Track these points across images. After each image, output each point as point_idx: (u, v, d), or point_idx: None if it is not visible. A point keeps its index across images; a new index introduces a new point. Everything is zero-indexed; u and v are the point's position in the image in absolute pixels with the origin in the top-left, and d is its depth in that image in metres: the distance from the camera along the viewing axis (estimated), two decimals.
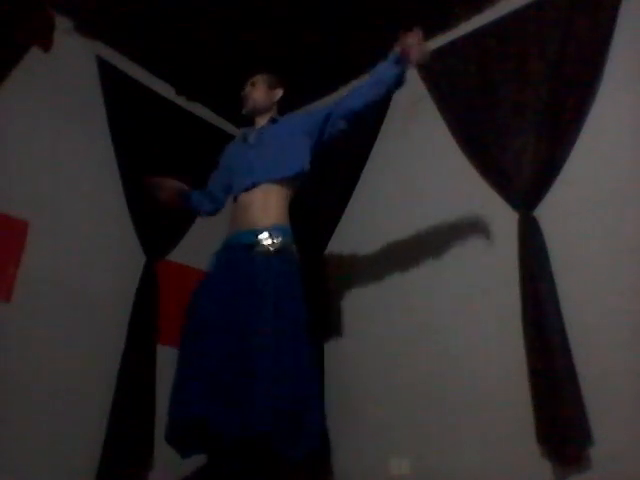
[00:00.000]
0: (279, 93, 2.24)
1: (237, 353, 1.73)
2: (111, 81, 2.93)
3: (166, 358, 2.73)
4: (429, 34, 2.87)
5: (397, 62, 1.95)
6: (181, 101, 3.34)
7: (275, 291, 1.81)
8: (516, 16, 2.50)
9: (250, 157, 2.09)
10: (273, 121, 2.19)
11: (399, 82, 2.00)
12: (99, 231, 2.71)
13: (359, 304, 2.73)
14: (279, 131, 2.14)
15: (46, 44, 2.69)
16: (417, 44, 1.90)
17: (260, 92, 2.21)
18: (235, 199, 2.10)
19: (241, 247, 1.93)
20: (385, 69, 1.99)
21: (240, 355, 1.72)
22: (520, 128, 2.33)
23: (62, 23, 2.79)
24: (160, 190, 2.21)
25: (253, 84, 2.24)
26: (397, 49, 1.93)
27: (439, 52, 2.80)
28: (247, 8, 2.75)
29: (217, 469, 1.82)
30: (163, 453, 2.59)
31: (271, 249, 1.88)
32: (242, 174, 2.07)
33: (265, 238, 1.89)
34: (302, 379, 1.76)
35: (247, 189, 2.01)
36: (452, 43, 2.75)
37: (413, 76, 2.88)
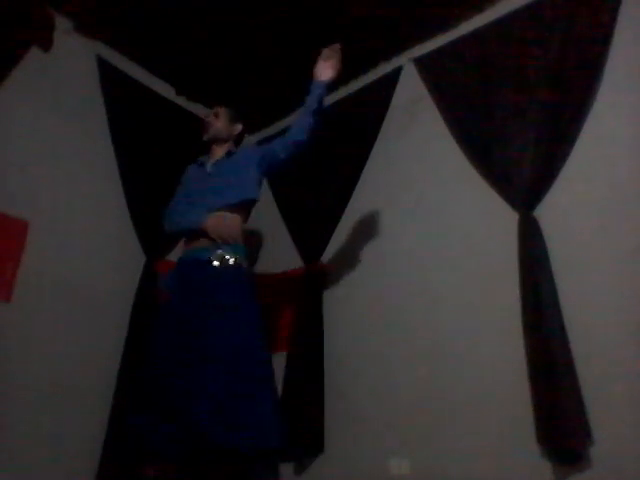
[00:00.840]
0: (238, 128, 2.43)
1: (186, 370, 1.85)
2: (111, 81, 2.93)
3: None
4: (429, 34, 2.89)
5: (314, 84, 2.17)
6: (181, 101, 3.34)
7: (223, 302, 1.95)
8: (516, 16, 2.50)
9: (207, 185, 2.23)
10: (229, 154, 2.33)
11: (320, 103, 2.18)
12: (99, 231, 2.71)
13: (358, 304, 2.73)
14: (234, 163, 2.29)
15: (46, 44, 2.69)
16: (324, 61, 2.16)
17: (222, 124, 2.37)
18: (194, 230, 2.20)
19: (196, 263, 2.06)
20: (309, 95, 2.19)
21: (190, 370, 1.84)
22: (520, 128, 2.32)
23: (62, 23, 2.79)
24: None
25: (216, 114, 2.39)
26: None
27: (439, 52, 2.82)
28: (247, 8, 2.74)
29: None
30: None
31: (223, 264, 2.03)
32: (198, 201, 2.19)
33: (219, 254, 2.03)
34: (249, 379, 1.87)
35: (210, 211, 2.13)
36: (452, 43, 2.75)
37: (413, 76, 2.90)
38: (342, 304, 2.78)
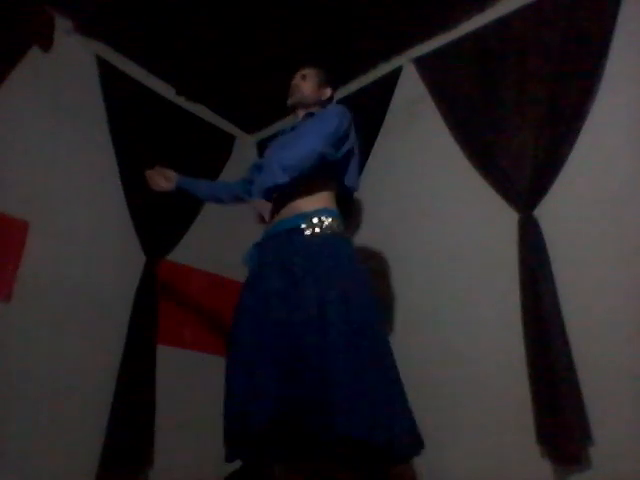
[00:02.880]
0: (328, 92, 2.17)
1: (304, 346, 1.58)
2: (111, 81, 2.92)
3: (166, 358, 2.74)
4: (429, 34, 2.89)
5: None
6: (181, 101, 3.34)
7: (335, 276, 1.67)
8: (516, 16, 2.50)
9: (277, 152, 1.97)
10: (309, 115, 2.09)
11: None
12: (99, 231, 2.71)
13: None
14: (307, 126, 2.01)
15: (46, 44, 2.69)
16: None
17: (310, 87, 2.13)
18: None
19: (286, 233, 1.80)
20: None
21: (309, 349, 1.57)
22: (520, 128, 2.32)
23: (62, 23, 2.79)
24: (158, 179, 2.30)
25: (304, 77, 2.15)
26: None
27: (439, 52, 2.81)
28: (247, 8, 2.74)
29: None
30: (163, 453, 2.60)
31: (320, 231, 1.76)
32: (264, 174, 1.93)
33: (312, 220, 1.78)
34: (384, 378, 1.62)
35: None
36: (452, 43, 2.75)
37: (413, 76, 2.90)
38: None
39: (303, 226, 1.77)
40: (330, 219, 1.80)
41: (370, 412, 1.51)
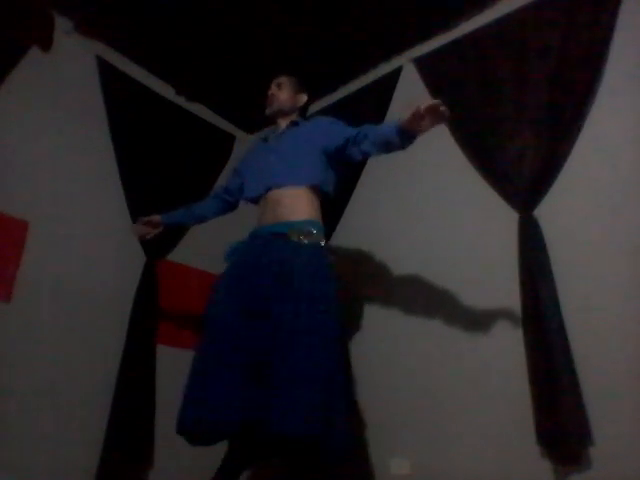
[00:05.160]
0: (304, 98, 2.27)
1: (267, 345, 1.73)
2: (111, 81, 2.93)
3: (166, 358, 2.74)
4: (429, 34, 2.89)
5: (403, 132, 1.75)
6: (181, 101, 3.34)
7: (307, 283, 1.80)
8: (516, 16, 2.50)
9: (271, 159, 2.10)
10: (294, 124, 2.20)
11: (399, 146, 1.84)
12: (99, 231, 2.71)
13: (357, 306, 2.72)
14: (299, 135, 2.13)
15: (46, 44, 2.69)
16: (427, 114, 1.64)
17: (286, 94, 2.22)
18: (255, 200, 2.13)
19: (271, 236, 1.93)
20: (397, 129, 1.78)
21: (270, 348, 1.72)
22: (520, 128, 2.32)
23: (62, 23, 2.79)
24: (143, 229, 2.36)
25: (279, 85, 2.24)
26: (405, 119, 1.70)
27: (439, 52, 2.81)
28: (247, 8, 2.74)
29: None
30: (163, 452, 2.60)
31: (304, 240, 1.89)
32: (262, 175, 2.09)
33: (297, 229, 1.90)
34: (331, 382, 1.73)
35: (270, 189, 2.03)
36: (452, 43, 2.75)
37: (413, 76, 2.89)
38: (340, 303, 2.77)
39: (287, 233, 1.90)
40: (313, 230, 1.92)
41: (305, 411, 1.62)
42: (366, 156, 2.03)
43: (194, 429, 1.75)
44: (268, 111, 2.24)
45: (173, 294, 2.91)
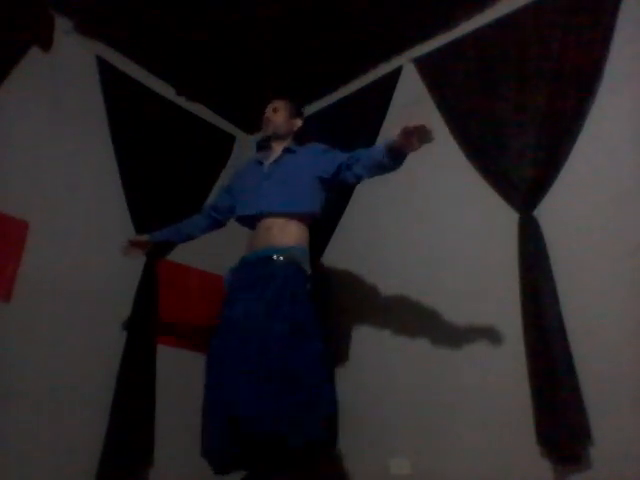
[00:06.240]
0: (299, 123, 2.30)
1: (256, 353, 1.82)
2: (111, 81, 2.93)
3: (166, 358, 2.74)
4: (429, 34, 2.89)
5: (392, 151, 1.83)
6: (181, 101, 3.34)
7: (283, 295, 1.90)
8: (516, 16, 2.51)
9: (265, 185, 2.14)
10: (289, 151, 2.22)
11: (391, 167, 1.91)
12: (99, 231, 2.71)
13: (358, 306, 2.73)
14: (294, 163, 2.17)
15: (46, 44, 2.69)
16: (414, 135, 1.73)
17: (281, 118, 2.25)
18: (245, 221, 2.20)
19: (259, 261, 2.01)
20: (386, 151, 1.86)
21: (259, 355, 1.82)
22: (520, 128, 2.33)
23: (62, 23, 2.79)
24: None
25: (275, 110, 2.27)
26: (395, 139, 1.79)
27: (439, 52, 2.81)
28: (247, 8, 2.74)
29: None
30: (163, 453, 2.59)
31: (285, 260, 1.97)
32: (255, 199, 2.13)
33: (283, 254, 1.98)
34: (310, 374, 1.83)
35: (263, 215, 2.08)
36: (452, 43, 2.75)
37: (413, 76, 2.90)
38: (341, 304, 2.77)
39: (274, 257, 1.98)
40: (298, 255, 2.01)
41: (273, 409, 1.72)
42: (359, 179, 2.08)
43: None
44: (264, 133, 2.30)
45: (173, 294, 2.91)
